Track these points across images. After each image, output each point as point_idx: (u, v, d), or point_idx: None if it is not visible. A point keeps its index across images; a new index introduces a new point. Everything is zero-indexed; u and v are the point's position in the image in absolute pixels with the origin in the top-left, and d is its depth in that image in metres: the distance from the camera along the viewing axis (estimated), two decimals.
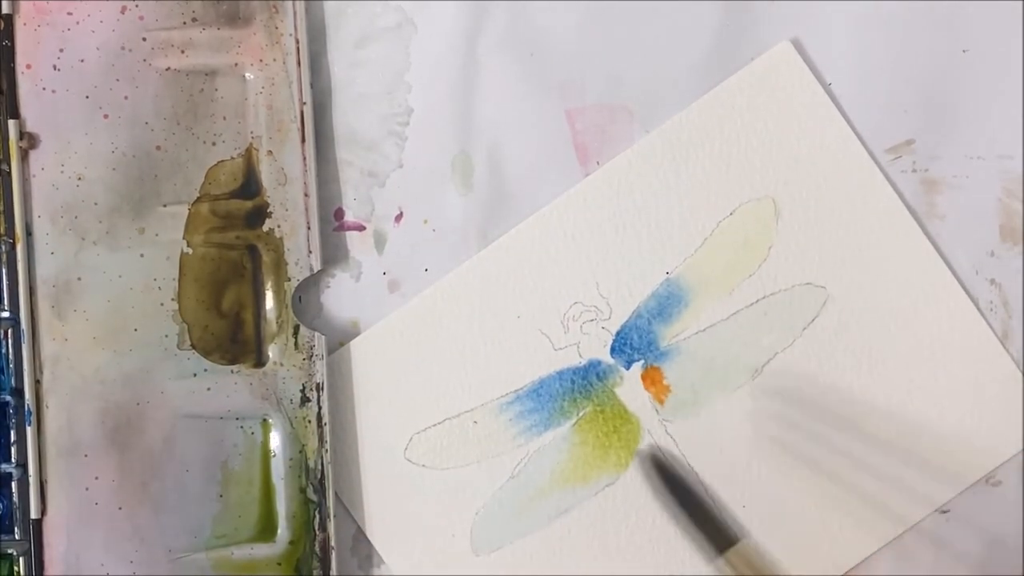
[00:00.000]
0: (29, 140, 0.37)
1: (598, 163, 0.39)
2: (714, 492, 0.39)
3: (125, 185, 0.37)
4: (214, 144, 0.38)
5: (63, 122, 0.37)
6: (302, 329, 0.38)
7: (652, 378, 0.39)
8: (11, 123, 0.37)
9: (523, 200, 0.39)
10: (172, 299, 0.38)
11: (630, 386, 0.39)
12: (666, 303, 0.39)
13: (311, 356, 0.38)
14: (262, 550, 0.38)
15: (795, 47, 0.39)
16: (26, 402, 0.37)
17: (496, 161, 0.39)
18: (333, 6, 0.39)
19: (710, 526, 0.36)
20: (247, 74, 0.38)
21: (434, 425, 0.39)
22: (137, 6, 0.37)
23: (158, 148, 0.38)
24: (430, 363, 0.39)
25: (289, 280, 0.38)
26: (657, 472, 0.36)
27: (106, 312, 0.37)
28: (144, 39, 0.37)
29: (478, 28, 0.39)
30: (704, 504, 0.37)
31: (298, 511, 0.38)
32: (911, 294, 0.39)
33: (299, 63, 0.38)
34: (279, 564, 0.38)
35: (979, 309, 0.40)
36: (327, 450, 0.38)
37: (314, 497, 0.38)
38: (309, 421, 0.38)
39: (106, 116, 0.37)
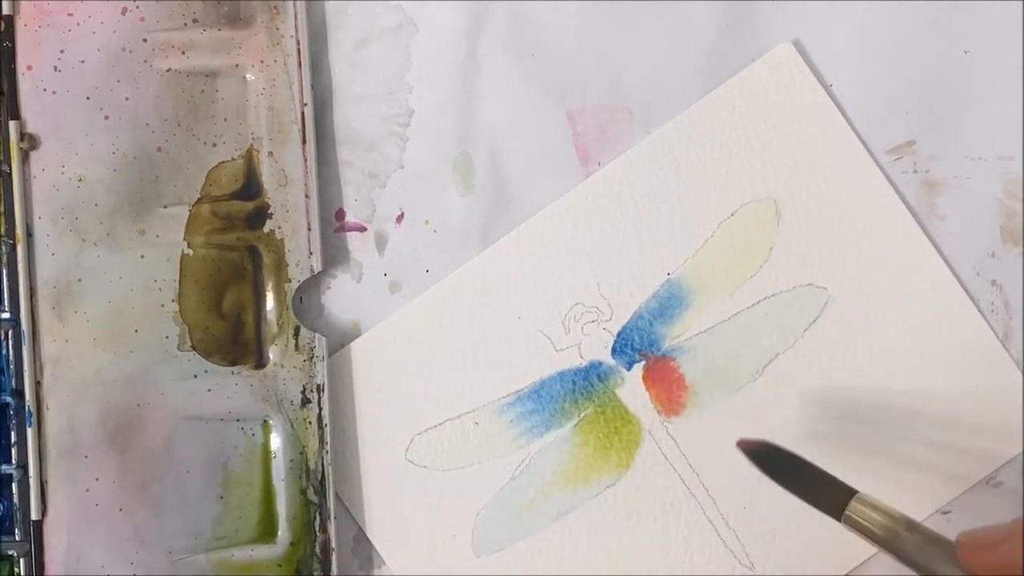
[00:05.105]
0: (30, 141, 0.37)
1: (599, 164, 0.39)
2: (715, 494, 0.39)
3: (126, 186, 0.37)
4: (215, 145, 0.38)
5: (64, 123, 0.37)
6: (303, 330, 0.38)
7: (653, 379, 0.39)
8: (12, 124, 0.37)
9: (524, 201, 0.39)
10: (173, 300, 0.38)
11: (631, 387, 0.39)
12: (667, 304, 0.39)
13: (312, 357, 0.38)
14: (262, 551, 0.38)
15: (796, 48, 0.39)
16: (26, 403, 0.37)
17: (497, 162, 0.39)
18: (333, 7, 0.39)
19: (825, 488, 0.34)
20: (248, 75, 0.38)
21: (435, 426, 0.39)
22: (138, 7, 0.37)
23: (159, 149, 0.38)
24: (431, 364, 0.39)
25: (290, 281, 0.38)
26: (765, 463, 0.34)
27: (107, 313, 0.37)
28: (145, 40, 0.37)
29: (479, 29, 0.39)
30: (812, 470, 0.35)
31: (299, 512, 0.38)
32: (912, 295, 0.39)
33: (300, 64, 0.38)
34: (280, 565, 0.38)
35: (980, 310, 0.40)
36: (328, 451, 0.38)
37: (315, 498, 0.38)
38: (310, 422, 0.38)
39: (107, 117, 0.37)
